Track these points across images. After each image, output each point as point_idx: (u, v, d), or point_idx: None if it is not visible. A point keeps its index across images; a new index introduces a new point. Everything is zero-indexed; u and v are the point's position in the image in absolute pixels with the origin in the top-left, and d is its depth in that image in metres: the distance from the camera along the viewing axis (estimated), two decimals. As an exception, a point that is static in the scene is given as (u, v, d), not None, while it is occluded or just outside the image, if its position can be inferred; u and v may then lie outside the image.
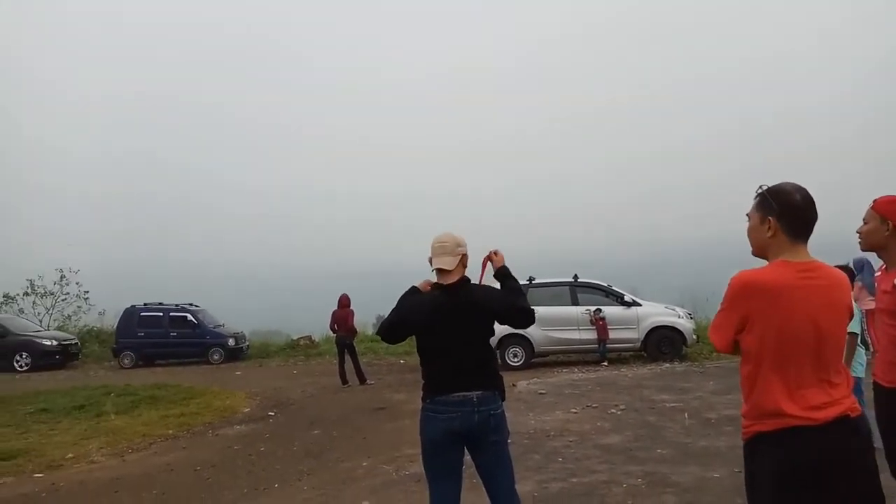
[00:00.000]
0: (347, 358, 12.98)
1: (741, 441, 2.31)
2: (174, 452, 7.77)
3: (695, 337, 14.19)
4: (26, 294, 23.76)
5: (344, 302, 13.09)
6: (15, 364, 17.99)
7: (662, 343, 13.83)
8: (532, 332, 13.41)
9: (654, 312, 14.09)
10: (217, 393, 12.05)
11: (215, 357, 18.88)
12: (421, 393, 3.33)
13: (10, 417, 10.06)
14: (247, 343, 20.44)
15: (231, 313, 22.17)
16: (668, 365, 13.15)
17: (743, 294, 2.12)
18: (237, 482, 6.27)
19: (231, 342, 19.35)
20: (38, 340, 18.76)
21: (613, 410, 8.51)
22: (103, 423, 9.43)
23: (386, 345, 19.46)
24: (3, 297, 23.48)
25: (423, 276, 3.52)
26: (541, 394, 10.11)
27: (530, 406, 9.12)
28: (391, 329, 3.33)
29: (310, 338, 21.46)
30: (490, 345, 3.43)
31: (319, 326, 22.53)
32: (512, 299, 3.39)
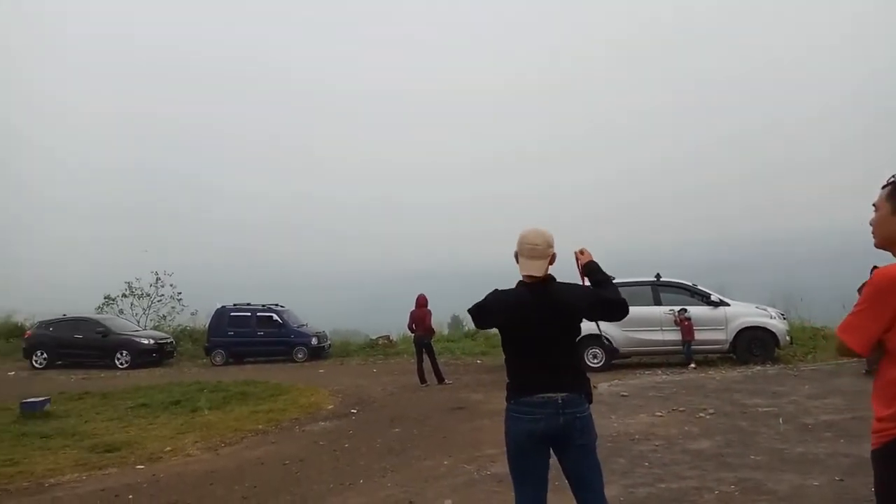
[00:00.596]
0: (426, 357, 13.12)
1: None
2: (264, 447, 8.08)
3: (788, 338, 13.49)
4: (124, 296, 25.25)
5: (421, 302, 13.23)
6: (116, 361, 19.18)
7: (753, 345, 13.20)
8: (612, 332, 13.10)
9: (744, 312, 13.48)
10: (302, 390, 12.43)
11: (299, 356, 19.49)
12: (504, 393, 3.30)
13: (114, 412, 10.75)
14: (329, 342, 20.99)
15: (311, 314, 22.82)
16: (759, 368, 12.54)
17: (893, 290, 1.99)
18: (323, 477, 6.45)
19: (314, 341, 19.92)
20: (137, 339, 19.91)
21: (702, 414, 8.20)
22: (198, 417, 9.91)
23: (463, 345, 19.66)
24: (105, 298, 25.06)
25: (503, 275, 3.50)
26: (623, 396, 9.87)
27: (612, 408, 8.92)
28: (478, 313, 3.31)
29: (388, 337, 21.83)
30: (576, 346, 3.36)
31: (397, 326, 22.98)
32: (600, 292, 3.28)
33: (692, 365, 13.00)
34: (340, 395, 12.14)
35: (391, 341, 21.54)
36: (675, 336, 13.20)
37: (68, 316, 20.81)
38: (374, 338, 22.15)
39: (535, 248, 3.23)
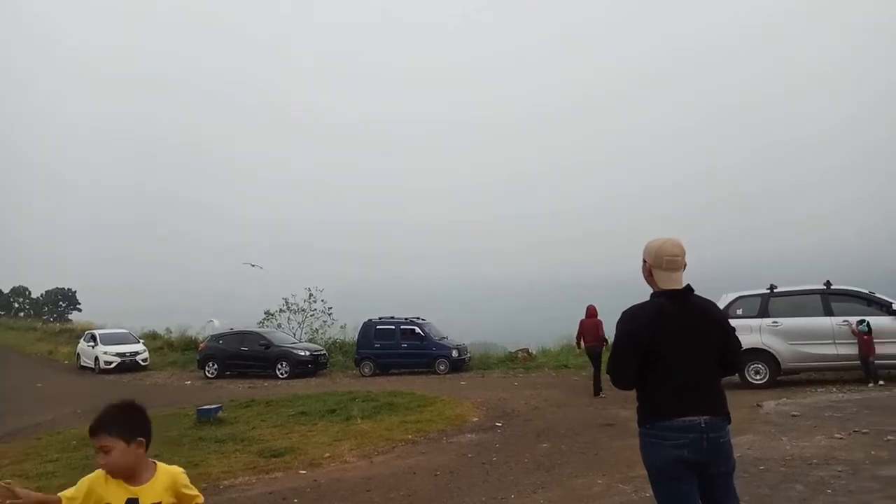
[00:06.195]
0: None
1: None
2: (414, 457, 8.25)
3: None
4: (282, 311, 27.20)
5: (592, 312, 13.30)
6: (277, 371, 20.63)
7: (947, 360, 11.51)
8: (777, 346, 12.02)
9: (935, 323, 11.80)
10: (447, 402, 12.59)
11: (441, 368, 19.83)
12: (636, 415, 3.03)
13: (277, 419, 11.49)
14: (468, 355, 21.19)
15: (449, 327, 23.14)
16: (957, 386, 10.92)
17: None
18: (474, 490, 6.45)
19: (455, 353, 20.19)
20: (295, 351, 21.27)
21: (891, 437, 7.25)
22: (352, 426, 10.33)
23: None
24: (265, 313, 27.12)
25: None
26: (794, 416, 8.99)
27: (782, 429, 8.14)
28: (618, 366, 3.00)
29: (527, 350, 21.65)
30: (717, 364, 3.01)
31: (535, 339, 22.74)
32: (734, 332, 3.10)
33: (880, 382, 11.49)
34: (484, 407, 12.14)
35: (530, 354, 21.33)
36: (851, 350, 11.81)
37: (235, 329, 22.75)
38: (513, 351, 22.05)
39: (675, 260, 3.02)
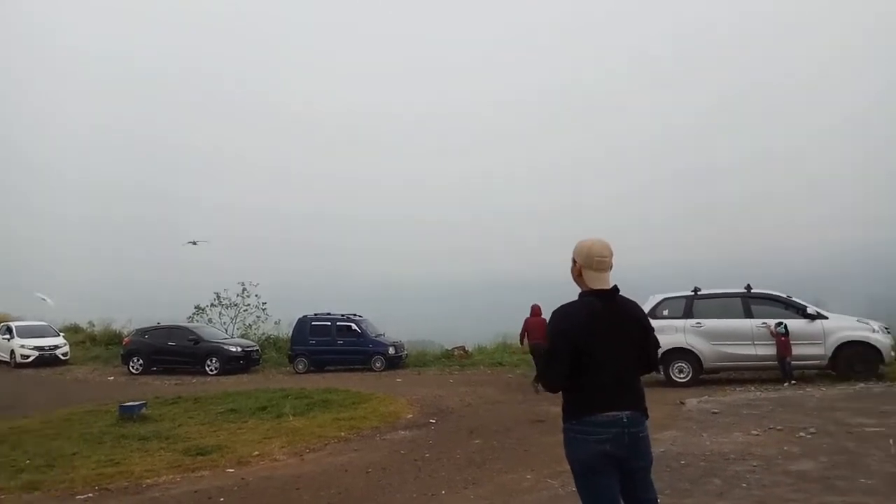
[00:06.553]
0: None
1: None
2: (347, 454, 8.18)
3: (893, 354, 12.50)
4: (213, 305, 26.35)
5: (536, 311, 13.52)
6: (206, 368, 20.06)
7: (854, 360, 12.30)
8: (700, 346, 12.55)
9: (844, 326, 12.59)
10: (382, 399, 12.54)
11: (377, 365, 19.74)
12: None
13: (205, 416, 11.16)
14: (405, 352, 21.17)
15: (386, 324, 23.05)
16: (862, 385, 11.67)
17: None
18: (406, 486, 6.46)
19: (391, 350, 20.13)
20: (226, 347, 20.73)
21: (802, 434, 7.69)
22: (283, 423, 10.16)
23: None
24: (195, 308, 26.22)
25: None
26: (714, 413, 9.40)
27: (703, 426, 8.50)
28: (552, 364, 3.03)
29: (463, 348, 21.82)
30: (638, 361, 3.13)
31: (472, 337, 22.89)
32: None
33: (792, 381, 12.17)
34: (419, 404, 12.17)
35: (467, 352, 21.51)
36: (769, 351, 12.47)
37: (162, 324, 21.96)
38: (449, 348, 22.18)
39: (605, 260, 3.11)
